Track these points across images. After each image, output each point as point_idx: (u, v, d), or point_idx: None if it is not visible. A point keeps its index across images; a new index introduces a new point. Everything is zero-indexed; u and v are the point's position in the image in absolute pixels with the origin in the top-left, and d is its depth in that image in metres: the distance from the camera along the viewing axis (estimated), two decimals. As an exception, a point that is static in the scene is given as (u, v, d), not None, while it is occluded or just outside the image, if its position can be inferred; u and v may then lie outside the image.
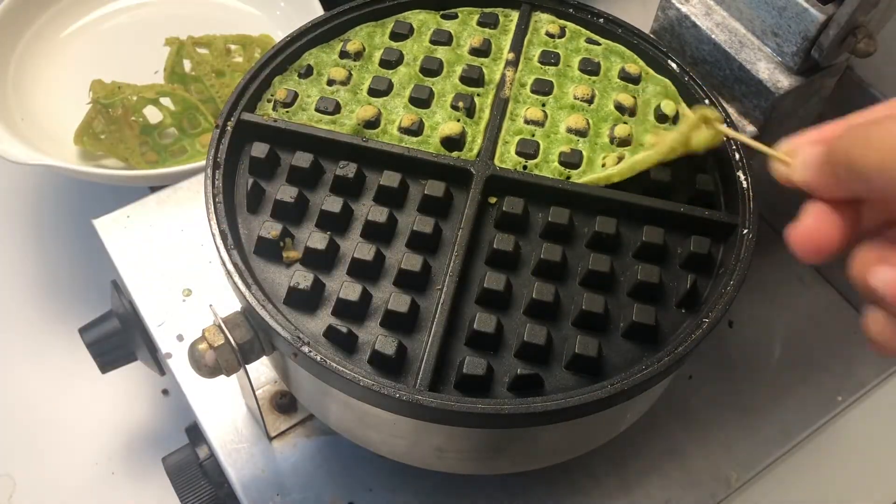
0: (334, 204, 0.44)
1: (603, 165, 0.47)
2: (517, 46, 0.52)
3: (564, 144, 0.47)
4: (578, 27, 0.53)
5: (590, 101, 0.49)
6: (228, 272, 0.41)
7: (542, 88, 0.50)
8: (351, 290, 0.41)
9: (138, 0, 0.88)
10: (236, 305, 0.43)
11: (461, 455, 0.45)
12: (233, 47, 0.80)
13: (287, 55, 0.50)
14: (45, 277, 0.76)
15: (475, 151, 0.47)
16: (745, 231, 0.44)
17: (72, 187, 0.80)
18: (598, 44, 0.53)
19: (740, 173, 0.46)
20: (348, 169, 0.45)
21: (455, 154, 0.47)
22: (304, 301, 0.41)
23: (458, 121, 0.48)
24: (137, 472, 0.65)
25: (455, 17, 0.54)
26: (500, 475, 0.51)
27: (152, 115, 0.74)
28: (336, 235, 0.44)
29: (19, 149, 0.68)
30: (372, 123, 0.48)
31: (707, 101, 0.49)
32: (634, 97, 0.49)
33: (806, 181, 0.32)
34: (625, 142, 0.47)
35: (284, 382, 0.50)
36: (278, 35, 0.82)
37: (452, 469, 0.48)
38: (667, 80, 0.50)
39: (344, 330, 0.40)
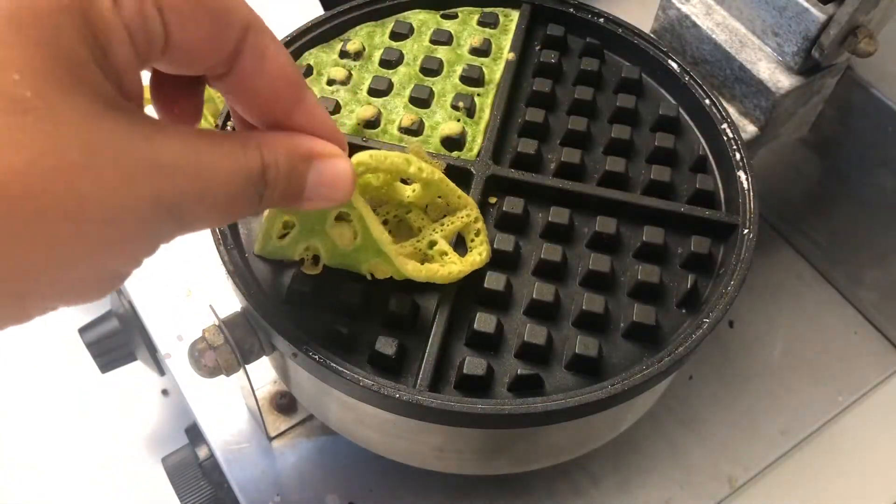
0: (334, 204, 0.44)
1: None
2: (517, 46, 0.52)
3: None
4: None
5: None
6: (228, 272, 0.41)
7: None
8: (351, 290, 0.41)
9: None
10: (236, 305, 0.43)
11: (461, 455, 0.45)
12: (232, 47, 0.80)
13: (287, 55, 0.49)
14: (44, 277, 0.76)
15: (475, 151, 0.47)
16: (746, 231, 0.43)
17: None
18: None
19: (741, 173, 0.46)
20: (348, 169, 0.45)
21: (455, 154, 0.47)
22: (304, 301, 0.41)
23: (459, 121, 0.48)
24: (137, 472, 0.65)
25: (455, 16, 0.54)
26: (500, 475, 0.51)
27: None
28: (336, 235, 0.43)
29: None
30: (372, 123, 0.47)
31: (707, 101, 0.49)
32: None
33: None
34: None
35: (284, 382, 0.50)
36: (278, 35, 0.81)
37: (452, 469, 0.48)
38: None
39: (344, 330, 0.40)
